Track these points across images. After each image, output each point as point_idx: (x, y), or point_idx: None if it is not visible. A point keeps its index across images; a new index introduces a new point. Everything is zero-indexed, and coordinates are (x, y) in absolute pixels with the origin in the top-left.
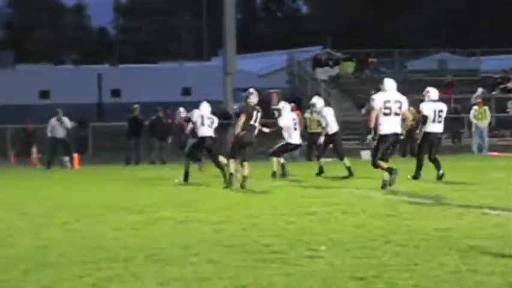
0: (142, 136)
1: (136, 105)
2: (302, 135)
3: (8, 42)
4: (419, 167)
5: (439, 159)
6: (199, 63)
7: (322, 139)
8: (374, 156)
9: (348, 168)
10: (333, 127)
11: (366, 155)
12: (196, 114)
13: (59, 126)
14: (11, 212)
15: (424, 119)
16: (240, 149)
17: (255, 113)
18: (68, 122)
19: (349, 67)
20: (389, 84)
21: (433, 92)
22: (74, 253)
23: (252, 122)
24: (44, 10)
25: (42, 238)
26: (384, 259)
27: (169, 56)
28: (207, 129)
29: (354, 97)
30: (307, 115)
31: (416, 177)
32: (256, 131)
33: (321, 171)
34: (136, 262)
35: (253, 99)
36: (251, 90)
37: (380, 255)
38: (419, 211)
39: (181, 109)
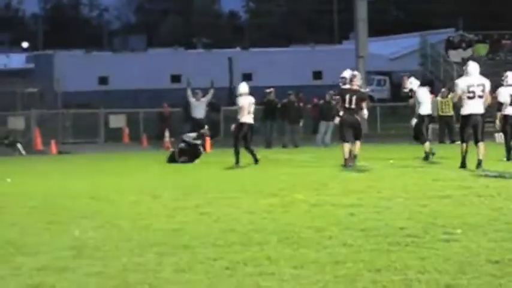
0: (277, 120)
1: (271, 89)
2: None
3: (139, 26)
4: (509, 149)
5: None
6: (330, 46)
7: (413, 121)
8: (461, 136)
9: (426, 154)
10: (424, 108)
11: (500, 137)
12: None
13: (199, 107)
14: (144, 195)
15: (499, 105)
16: (346, 131)
17: (347, 96)
18: (208, 97)
19: (483, 49)
20: (473, 67)
21: (511, 77)
22: (207, 236)
23: (346, 105)
24: None
25: (175, 221)
26: None
27: (301, 40)
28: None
29: (488, 79)
30: (438, 98)
31: (509, 158)
32: (359, 113)
33: (427, 156)
34: (270, 245)
35: (356, 81)
36: (355, 72)
37: None
38: None
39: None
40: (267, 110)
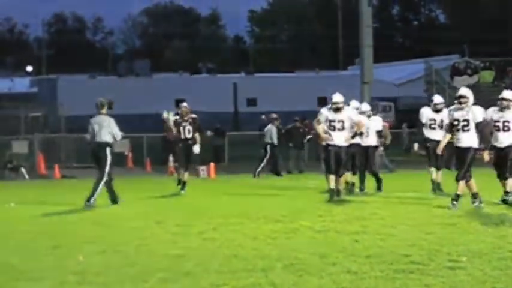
0: (281, 145)
1: (275, 114)
2: None
3: (144, 51)
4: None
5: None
6: (335, 72)
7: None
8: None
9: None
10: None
11: None
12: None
13: (274, 131)
14: (148, 220)
15: (379, 134)
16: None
17: None
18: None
19: (489, 76)
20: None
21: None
22: (211, 262)
23: None
24: (179, 19)
25: (179, 247)
26: None
27: (306, 65)
28: None
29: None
30: None
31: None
32: None
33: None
34: (275, 272)
35: None
36: None
37: None
38: None
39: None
40: None
